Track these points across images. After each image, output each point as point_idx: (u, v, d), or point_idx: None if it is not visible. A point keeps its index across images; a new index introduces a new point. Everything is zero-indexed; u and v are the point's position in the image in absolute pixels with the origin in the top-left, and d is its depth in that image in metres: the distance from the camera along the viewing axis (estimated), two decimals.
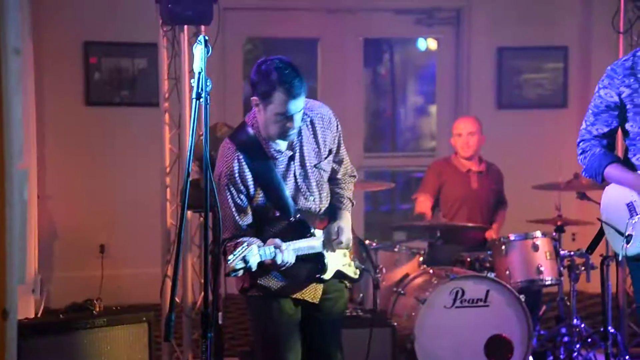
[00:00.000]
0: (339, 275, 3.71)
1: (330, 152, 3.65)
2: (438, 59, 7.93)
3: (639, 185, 3.53)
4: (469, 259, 5.45)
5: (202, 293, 3.23)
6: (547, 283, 5.31)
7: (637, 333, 5.91)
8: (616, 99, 3.57)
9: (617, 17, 6.03)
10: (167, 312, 3.05)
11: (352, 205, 3.81)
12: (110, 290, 6.64)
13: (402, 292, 5.21)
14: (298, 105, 3.40)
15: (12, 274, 4.08)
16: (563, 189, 5.59)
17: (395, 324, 4.98)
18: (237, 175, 3.47)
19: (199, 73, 3.09)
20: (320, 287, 3.69)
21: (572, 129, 7.34)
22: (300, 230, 3.57)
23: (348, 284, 3.81)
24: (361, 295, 5.37)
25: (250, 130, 3.53)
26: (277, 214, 3.55)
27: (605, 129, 3.64)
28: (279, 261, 3.36)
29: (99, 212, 7.01)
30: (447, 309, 4.97)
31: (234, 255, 3.22)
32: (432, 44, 8.05)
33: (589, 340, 5.28)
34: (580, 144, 3.72)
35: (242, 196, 3.48)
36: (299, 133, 3.55)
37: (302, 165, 3.57)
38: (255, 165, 3.49)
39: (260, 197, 3.52)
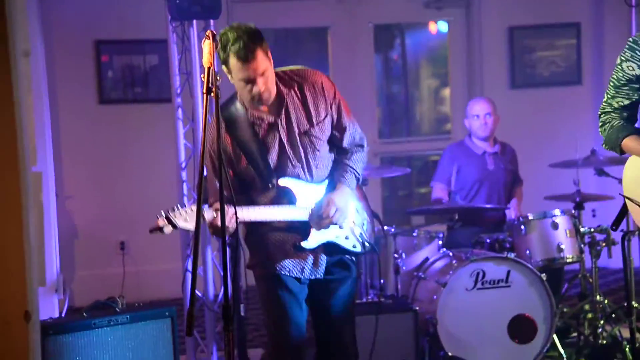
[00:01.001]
0: (333, 247, 3.67)
1: (325, 118, 3.62)
2: (449, 42, 7.91)
3: None
4: (488, 241, 5.43)
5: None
6: (568, 261, 5.28)
7: None
8: (638, 72, 3.51)
9: None
10: (188, 306, 3.06)
11: (358, 179, 3.75)
12: (132, 287, 6.70)
13: (422, 276, 5.20)
14: (256, 67, 3.39)
15: (32, 277, 4.11)
16: (580, 166, 5.56)
17: (417, 308, 4.96)
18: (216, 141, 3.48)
19: (209, 68, 3.10)
20: (317, 261, 3.65)
21: (587, 105, 7.39)
22: (284, 197, 3.57)
23: (350, 258, 3.75)
24: (382, 280, 5.37)
25: (237, 99, 3.57)
26: (261, 181, 3.56)
27: (626, 102, 3.59)
28: (218, 223, 3.32)
29: (117, 210, 7.06)
30: (469, 291, 4.95)
31: (160, 215, 3.32)
32: (443, 26, 8.02)
33: (613, 315, 5.26)
34: (601, 116, 3.66)
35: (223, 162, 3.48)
36: (283, 99, 3.54)
37: (289, 132, 3.56)
38: (238, 132, 3.53)
39: (243, 163, 3.54)
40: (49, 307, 5.30)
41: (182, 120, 5.92)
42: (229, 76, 3.48)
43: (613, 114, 3.62)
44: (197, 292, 5.76)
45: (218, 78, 3.13)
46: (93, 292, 5.57)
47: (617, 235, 4.92)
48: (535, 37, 7.63)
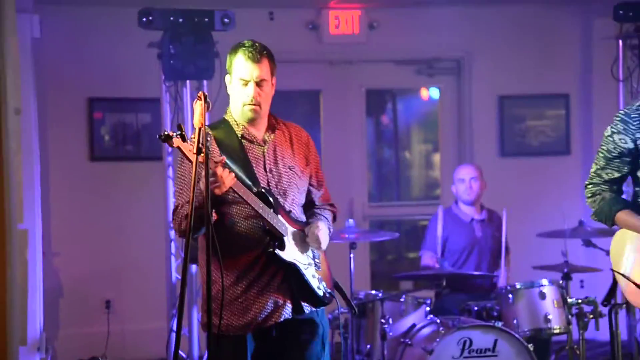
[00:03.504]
0: (298, 282, 3.53)
1: (306, 167, 3.67)
2: (440, 108, 7.96)
3: None
4: (476, 308, 5.40)
5: None
6: (555, 332, 5.27)
7: None
8: (631, 145, 3.51)
9: (616, 65, 6.07)
10: None
11: (329, 231, 3.71)
12: (116, 346, 6.61)
13: (409, 342, 5.13)
14: (257, 72, 3.48)
15: (13, 336, 4.06)
16: (568, 237, 5.56)
17: None
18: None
19: (199, 128, 3.12)
20: (283, 302, 3.53)
21: (576, 175, 7.42)
22: (264, 203, 3.48)
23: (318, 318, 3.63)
24: (368, 346, 5.32)
25: (227, 119, 3.61)
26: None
27: (617, 175, 3.58)
28: (219, 172, 3.25)
29: (104, 268, 6.97)
30: None
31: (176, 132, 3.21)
32: (434, 92, 8.09)
33: None
34: (589, 187, 3.66)
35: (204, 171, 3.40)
36: (274, 130, 3.60)
37: (275, 162, 3.59)
38: (224, 142, 3.53)
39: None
40: None
41: (172, 178, 5.94)
42: (229, 84, 3.55)
43: (603, 186, 3.61)
44: (181, 352, 5.72)
45: (208, 139, 3.15)
46: (77, 351, 5.51)
47: (604, 308, 4.90)
48: (525, 106, 7.67)
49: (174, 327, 5.50)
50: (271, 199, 3.49)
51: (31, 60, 5.54)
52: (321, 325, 3.65)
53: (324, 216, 3.73)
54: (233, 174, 3.34)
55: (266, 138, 3.59)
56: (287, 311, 3.54)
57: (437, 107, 8.03)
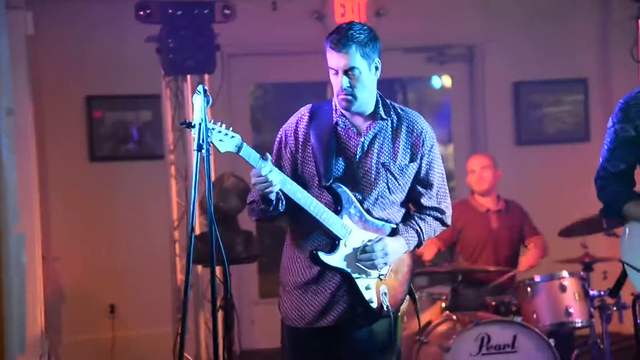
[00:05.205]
0: (349, 288, 3.34)
1: (410, 164, 3.40)
2: (453, 97, 7.79)
3: None
4: (493, 303, 5.30)
5: None
6: (577, 325, 5.17)
7: None
8: (632, 133, 3.49)
9: (636, 46, 5.90)
10: None
11: (419, 244, 3.47)
12: (122, 352, 6.52)
13: (424, 340, 5.06)
14: (342, 61, 3.28)
15: (11, 343, 3.92)
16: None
17: None
18: (293, 129, 3.42)
19: (199, 124, 3.01)
20: (332, 304, 3.36)
21: (596, 162, 7.18)
22: (330, 200, 3.32)
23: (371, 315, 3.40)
24: None
25: (333, 101, 3.45)
26: (317, 178, 3.34)
27: (623, 166, 3.56)
28: (263, 173, 3.16)
29: (107, 271, 6.83)
30: (473, 357, 4.83)
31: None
32: (446, 81, 7.92)
33: None
34: (598, 182, 3.63)
35: (287, 152, 3.41)
36: (376, 121, 3.38)
37: (367, 154, 3.36)
38: (317, 124, 3.39)
39: (308, 158, 3.37)
40: None
41: (175, 177, 5.81)
42: None
43: (611, 179, 3.58)
44: (189, 357, 5.58)
45: (210, 134, 3.03)
46: (81, 358, 5.39)
47: (628, 298, 4.74)
48: (541, 92, 7.50)
49: (180, 331, 5.34)
50: (341, 196, 3.32)
51: (25, 59, 5.41)
52: (379, 337, 3.42)
53: (417, 225, 3.44)
54: (281, 175, 3.22)
55: (365, 127, 3.38)
56: (341, 316, 3.37)
57: (450, 96, 7.85)
